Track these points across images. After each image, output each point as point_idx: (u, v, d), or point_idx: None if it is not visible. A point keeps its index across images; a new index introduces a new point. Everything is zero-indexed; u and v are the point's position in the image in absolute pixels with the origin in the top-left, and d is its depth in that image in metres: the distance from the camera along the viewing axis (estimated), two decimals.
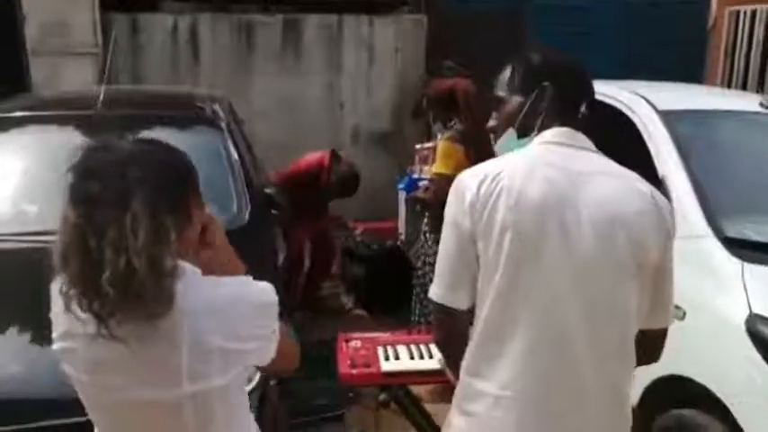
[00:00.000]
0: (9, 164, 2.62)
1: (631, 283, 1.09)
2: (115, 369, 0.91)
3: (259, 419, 1.13)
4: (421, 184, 3.32)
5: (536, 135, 1.17)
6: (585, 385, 1.09)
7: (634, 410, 1.19)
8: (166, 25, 4.79)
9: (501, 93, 1.22)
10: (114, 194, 0.86)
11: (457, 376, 1.19)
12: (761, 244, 2.02)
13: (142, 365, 0.91)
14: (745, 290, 1.87)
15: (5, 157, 2.62)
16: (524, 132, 1.19)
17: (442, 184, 2.67)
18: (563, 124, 1.16)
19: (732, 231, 2.05)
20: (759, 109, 2.54)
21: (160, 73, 4.72)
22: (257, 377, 1.55)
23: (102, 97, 2.70)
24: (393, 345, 1.87)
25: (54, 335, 0.95)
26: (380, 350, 1.84)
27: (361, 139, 5.13)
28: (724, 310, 1.90)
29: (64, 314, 0.90)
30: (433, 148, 3.19)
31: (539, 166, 1.11)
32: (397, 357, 1.82)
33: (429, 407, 1.95)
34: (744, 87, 5.01)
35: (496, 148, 1.25)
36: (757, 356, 1.78)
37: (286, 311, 1.05)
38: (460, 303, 1.14)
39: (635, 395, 1.92)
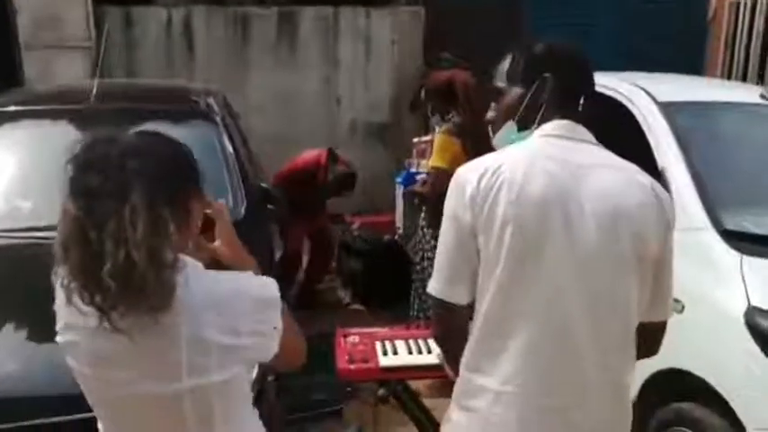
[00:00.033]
0: (2, 159, 2.59)
1: (632, 275, 1.09)
2: (117, 362, 0.91)
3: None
4: (419, 177, 3.30)
5: (536, 128, 1.15)
6: (587, 380, 1.09)
7: (633, 404, 1.19)
8: (160, 18, 4.75)
9: (500, 84, 1.21)
10: (113, 186, 0.86)
11: (456, 371, 1.18)
12: (760, 236, 2.01)
13: (143, 359, 0.91)
14: (744, 282, 1.87)
15: None
16: (524, 125, 1.17)
17: (440, 177, 2.66)
18: (563, 117, 1.14)
19: (731, 224, 2.04)
20: (759, 100, 2.53)
21: (154, 66, 4.69)
22: (255, 373, 1.54)
23: (95, 91, 2.67)
24: (391, 340, 1.86)
25: (57, 327, 0.95)
26: (378, 345, 1.83)
27: (359, 132, 5.11)
28: (723, 303, 1.89)
29: (66, 307, 0.90)
30: (431, 142, 3.17)
31: (539, 159, 1.10)
32: (395, 352, 1.81)
33: (428, 402, 1.95)
34: (744, 79, 4.99)
35: (495, 140, 1.23)
36: (756, 349, 1.78)
37: (290, 306, 1.04)
38: (460, 298, 1.13)
39: (634, 389, 1.91)
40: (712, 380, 1.84)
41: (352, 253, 3.90)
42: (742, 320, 1.81)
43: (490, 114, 1.24)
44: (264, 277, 1.01)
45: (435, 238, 2.45)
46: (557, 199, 1.07)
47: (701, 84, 3.39)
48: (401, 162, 4.19)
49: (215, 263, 1.01)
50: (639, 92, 2.47)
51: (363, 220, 4.22)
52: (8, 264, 2.12)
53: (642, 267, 1.10)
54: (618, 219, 1.07)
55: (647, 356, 1.21)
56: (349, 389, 2.30)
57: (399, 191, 4.02)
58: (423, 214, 3.01)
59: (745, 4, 5.05)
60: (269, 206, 2.71)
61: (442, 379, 1.60)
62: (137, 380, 0.91)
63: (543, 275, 1.06)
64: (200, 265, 0.96)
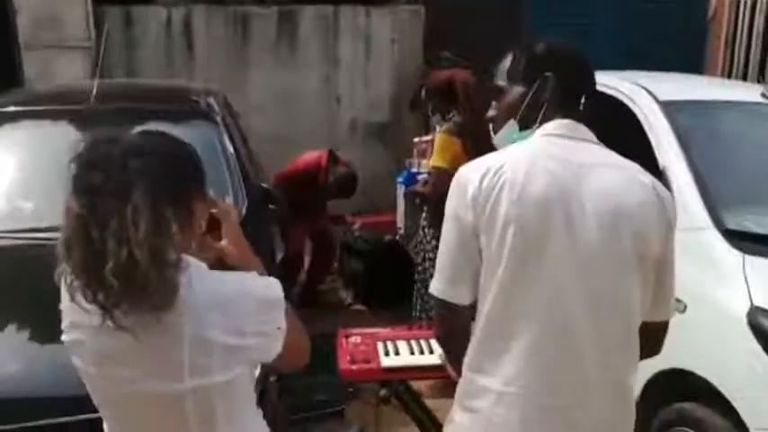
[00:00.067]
0: (2, 160, 2.59)
1: (634, 275, 1.09)
2: (121, 361, 0.92)
3: None
4: (420, 177, 3.30)
5: (537, 127, 1.15)
6: (589, 379, 1.09)
7: (636, 404, 1.19)
8: (160, 18, 4.74)
9: (501, 82, 1.20)
10: (116, 186, 0.86)
11: (458, 372, 1.18)
12: (762, 236, 2.01)
13: (147, 357, 0.91)
14: (747, 282, 1.87)
15: None
16: (526, 124, 1.17)
17: (441, 177, 2.65)
18: (565, 116, 1.14)
19: (733, 223, 2.04)
20: (760, 99, 2.52)
21: (154, 66, 4.68)
22: (256, 373, 1.54)
23: (95, 91, 2.67)
24: (393, 340, 1.86)
25: (63, 326, 0.96)
26: (380, 345, 1.83)
27: (359, 131, 5.10)
28: (725, 303, 1.89)
29: (71, 305, 0.91)
30: (431, 141, 3.17)
31: (541, 159, 1.09)
32: (397, 353, 1.80)
33: (430, 402, 1.94)
34: (744, 78, 4.99)
35: (496, 139, 1.23)
36: (759, 349, 1.77)
37: (294, 306, 1.04)
38: (462, 299, 1.13)
39: (636, 389, 1.91)
40: (715, 380, 1.83)
41: (353, 253, 3.89)
42: (744, 320, 1.81)
43: (491, 113, 1.23)
44: (268, 278, 1.01)
45: (437, 238, 2.45)
46: (558, 198, 1.06)
47: (702, 83, 3.39)
48: (401, 162, 4.18)
49: (219, 263, 1.01)
50: (640, 91, 2.47)
51: (364, 221, 4.21)
52: (10, 265, 2.11)
53: (644, 267, 1.09)
54: (619, 218, 1.07)
55: (650, 356, 1.21)
56: (351, 389, 2.30)
57: (400, 191, 4.01)
58: (424, 214, 3.00)
59: (746, 3, 5.04)
60: (270, 206, 2.71)
61: (444, 379, 1.60)
62: (140, 378, 0.92)
63: (545, 275, 1.06)
64: (203, 265, 0.96)
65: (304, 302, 3.57)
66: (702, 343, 1.89)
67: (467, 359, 1.14)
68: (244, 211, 2.45)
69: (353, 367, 1.73)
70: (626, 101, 2.46)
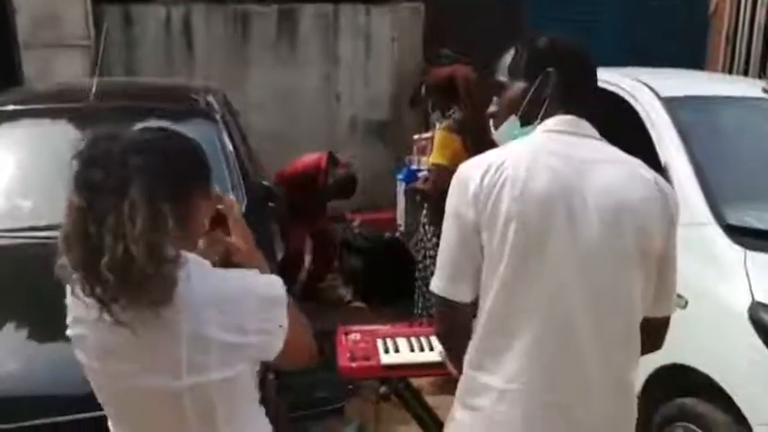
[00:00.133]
0: (1, 158, 2.58)
1: (636, 270, 1.08)
2: (121, 355, 0.92)
3: None
4: (420, 174, 3.29)
5: (539, 123, 1.14)
6: (590, 376, 1.08)
7: (637, 399, 1.18)
8: (159, 16, 4.73)
9: (503, 78, 1.19)
10: (115, 182, 0.87)
11: (459, 369, 1.17)
12: (763, 231, 2.01)
13: (145, 353, 0.91)
14: (748, 278, 1.86)
15: None
16: (527, 120, 1.16)
17: (441, 174, 2.65)
18: (567, 112, 1.14)
19: (734, 219, 2.04)
20: (761, 95, 2.51)
21: (154, 65, 4.67)
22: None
23: (94, 90, 2.66)
24: (393, 337, 1.85)
25: (67, 321, 0.97)
26: (380, 343, 1.82)
27: (359, 129, 5.09)
28: (726, 299, 1.89)
29: (74, 301, 0.92)
30: (432, 139, 3.16)
31: (542, 155, 1.09)
32: (397, 350, 1.80)
33: (430, 399, 1.94)
34: (745, 73, 4.97)
35: (497, 135, 1.22)
36: (760, 344, 1.77)
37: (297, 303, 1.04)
38: (463, 296, 1.12)
39: (638, 384, 1.91)
40: (716, 375, 1.83)
41: (353, 251, 3.89)
42: (745, 316, 1.80)
43: (492, 108, 1.23)
44: (270, 275, 1.01)
45: (437, 235, 2.44)
46: (560, 194, 1.06)
47: (703, 78, 3.38)
48: (401, 159, 4.18)
49: (224, 260, 1.02)
50: (642, 87, 2.46)
51: (364, 218, 4.21)
52: (9, 264, 2.11)
53: (646, 262, 1.09)
54: (621, 213, 1.06)
55: (651, 352, 1.21)
56: (351, 386, 2.30)
57: (400, 188, 4.01)
58: (425, 212, 3.00)
59: None
60: (270, 204, 2.71)
61: (445, 376, 1.59)
62: (140, 374, 0.92)
63: (546, 271, 1.06)
64: (206, 262, 0.96)
65: (304, 299, 3.57)
66: (703, 338, 1.89)
67: (468, 357, 1.14)
68: (243, 209, 2.44)
69: (353, 364, 1.73)
70: (627, 97, 2.45)
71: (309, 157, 3.72)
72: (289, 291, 1.00)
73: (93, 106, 2.61)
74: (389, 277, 3.61)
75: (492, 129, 1.24)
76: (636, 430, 1.17)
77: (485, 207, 1.06)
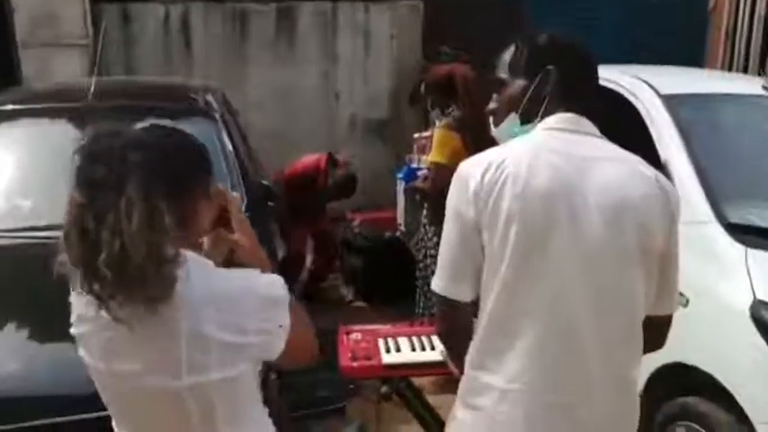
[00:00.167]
0: (1, 158, 2.58)
1: (638, 268, 1.08)
2: (124, 355, 0.93)
3: None
4: (420, 173, 3.29)
5: (539, 121, 1.14)
6: (592, 376, 1.08)
7: (639, 398, 1.18)
8: (158, 15, 4.71)
9: (503, 75, 1.19)
10: (114, 178, 0.87)
11: (460, 369, 1.17)
12: (764, 229, 2.00)
13: (146, 352, 0.91)
14: (749, 276, 1.86)
15: None
16: (527, 118, 1.16)
17: (440, 173, 2.64)
18: (567, 109, 1.13)
19: (735, 217, 2.03)
20: (761, 92, 2.51)
21: (153, 63, 4.66)
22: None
23: (93, 89, 2.65)
24: (394, 337, 1.85)
25: (71, 319, 0.97)
26: (381, 342, 1.82)
27: (358, 128, 5.08)
28: (728, 297, 1.88)
29: (77, 299, 0.93)
30: (431, 137, 3.16)
31: (543, 153, 1.08)
32: (398, 349, 1.80)
33: (432, 398, 1.94)
34: (745, 70, 4.97)
35: (497, 132, 1.22)
36: (762, 342, 1.76)
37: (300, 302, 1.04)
38: (463, 295, 1.12)
39: (639, 383, 1.91)
40: (718, 374, 1.83)
41: (353, 250, 3.89)
42: (747, 314, 1.80)
43: (492, 105, 1.22)
44: (272, 275, 1.01)
45: (438, 235, 2.44)
46: (562, 192, 1.05)
47: (703, 76, 3.37)
48: (401, 158, 4.17)
49: (226, 259, 1.02)
50: (642, 85, 2.45)
51: (364, 217, 4.20)
52: (9, 264, 2.10)
53: (648, 260, 1.09)
54: (623, 211, 1.06)
55: (654, 350, 1.20)
56: (352, 386, 2.29)
57: (400, 187, 4.00)
58: (425, 211, 2.99)
59: None
60: (269, 203, 2.70)
61: (446, 376, 1.59)
62: (142, 374, 0.92)
63: (549, 270, 1.05)
64: (207, 261, 0.96)
65: (305, 299, 3.57)
66: (705, 337, 1.89)
67: (469, 357, 1.14)
68: (243, 208, 2.43)
69: (354, 364, 1.72)
70: (627, 95, 2.44)
71: (309, 158, 3.72)
72: (290, 290, 1.00)
73: (92, 105, 2.60)
74: (390, 277, 3.60)
75: (492, 126, 1.23)
76: (638, 429, 1.17)
77: (485, 205, 1.06)
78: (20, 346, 1.72)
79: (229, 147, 2.69)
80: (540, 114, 1.14)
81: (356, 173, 3.77)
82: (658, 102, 2.35)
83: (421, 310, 2.96)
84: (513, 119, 1.17)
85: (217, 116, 2.82)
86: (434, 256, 1.22)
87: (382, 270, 3.69)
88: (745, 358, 1.81)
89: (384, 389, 1.76)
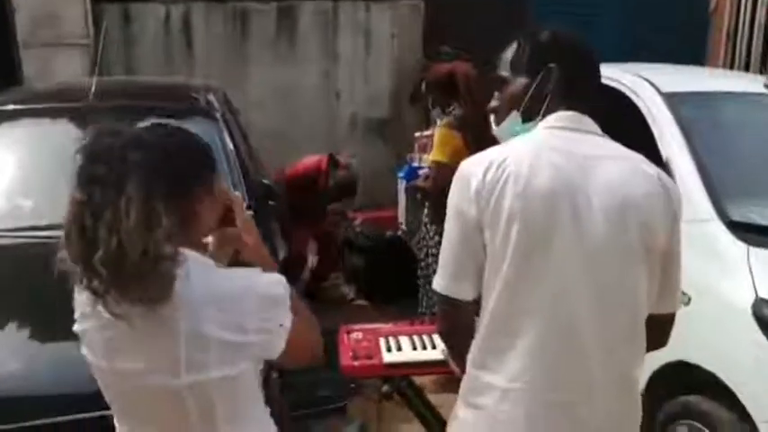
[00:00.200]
0: (1, 158, 2.58)
1: (640, 266, 1.08)
2: (125, 353, 0.93)
3: None
4: (421, 172, 3.28)
5: (540, 119, 1.14)
6: (593, 374, 1.08)
7: (641, 397, 1.18)
8: (159, 15, 4.71)
9: (504, 73, 1.18)
10: (113, 177, 0.88)
11: (461, 368, 1.17)
12: (766, 227, 2.00)
13: (147, 351, 0.91)
14: (751, 274, 1.86)
15: None
16: (529, 116, 1.15)
17: (441, 172, 2.64)
18: (569, 108, 1.13)
19: (737, 215, 2.03)
20: (763, 90, 2.50)
21: (153, 63, 4.66)
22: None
23: (93, 89, 2.65)
24: (395, 336, 1.85)
25: (75, 316, 0.97)
26: (382, 341, 1.82)
27: (359, 127, 5.08)
28: (730, 295, 1.88)
29: (80, 296, 0.93)
30: (432, 136, 3.15)
31: (544, 151, 1.08)
32: (399, 348, 1.80)
33: (433, 397, 1.94)
34: (746, 69, 4.95)
35: (498, 130, 1.22)
36: (764, 340, 1.76)
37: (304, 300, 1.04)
38: (465, 294, 1.12)
39: (641, 381, 1.90)
40: (720, 372, 1.82)
41: (354, 249, 3.89)
42: (749, 312, 1.80)
43: (493, 103, 1.21)
44: (273, 274, 1.00)
45: (439, 234, 2.43)
46: (564, 191, 1.05)
47: (704, 74, 3.37)
48: (402, 157, 4.17)
49: (231, 259, 1.02)
50: (643, 83, 2.45)
51: (365, 216, 4.20)
52: (10, 264, 2.11)
53: (650, 258, 1.08)
54: (625, 209, 1.06)
55: (656, 349, 1.20)
56: (353, 385, 2.29)
57: (401, 186, 4.00)
58: (426, 210, 2.99)
59: None
60: (270, 202, 2.70)
61: (447, 374, 1.59)
62: (142, 372, 0.92)
63: (550, 269, 1.05)
64: (208, 261, 0.96)
65: (307, 298, 3.56)
66: (707, 335, 1.88)
67: (471, 356, 1.13)
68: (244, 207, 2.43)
69: (355, 363, 1.72)
70: (629, 93, 2.44)
71: (310, 160, 3.73)
72: (294, 289, 1.00)
73: (93, 105, 2.60)
74: (391, 275, 3.60)
75: (493, 124, 1.23)
76: (640, 428, 1.17)
77: (487, 204, 1.05)
78: (21, 346, 1.72)
79: (230, 146, 2.69)
80: (541, 113, 1.14)
81: (357, 173, 3.77)
82: (660, 100, 2.34)
83: (423, 310, 2.96)
84: (514, 117, 1.17)
85: (218, 116, 2.82)
86: (436, 255, 1.22)
87: (383, 269, 3.69)
88: (747, 356, 1.81)
89: (385, 388, 1.75)
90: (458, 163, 1.16)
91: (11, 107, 2.76)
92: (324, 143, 4.49)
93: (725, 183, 2.11)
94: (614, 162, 1.09)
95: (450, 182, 1.13)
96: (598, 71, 1.19)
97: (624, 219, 1.06)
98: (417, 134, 3.85)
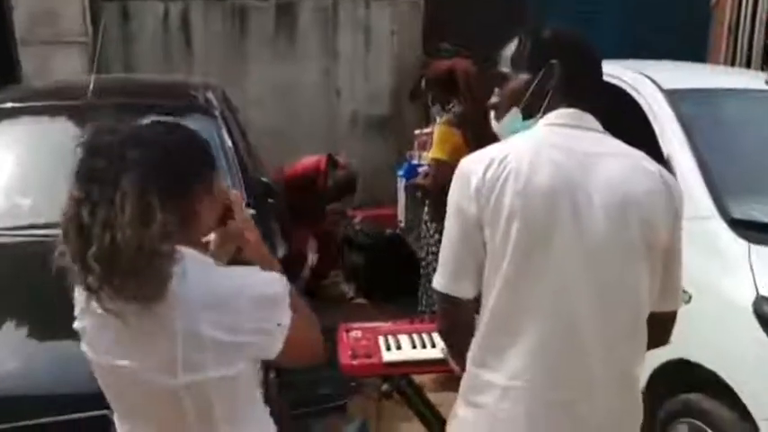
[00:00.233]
0: (1, 157, 2.57)
1: (642, 264, 1.07)
2: (122, 351, 0.92)
3: None
4: (420, 170, 3.28)
5: (541, 116, 1.13)
6: (593, 372, 1.07)
7: (641, 395, 1.17)
8: (157, 12, 4.70)
9: (505, 69, 1.17)
10: (111, 173, 0.87)
11: (461, 366, 1.16)
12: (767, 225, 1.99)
13: (144, 350, 0.91)
14: (752, 272, 1.85)
15: None
16: (529, 113, 1.15)
17: (441, 169, 2.63)
18: (570, 105, 1.12)
19: (738, 212, 2.02)
20: (764, 87, 2.49)
21: (152, 61, 4.65)
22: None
23: (92, 87, 2.64)
24: (394, 334, 1.84)
25: (75, 313, 0.97)
26: (382, 340, 1.81)
27: (359, 124, 5.07)
28: (731, 293, 1.87)
29: (79, 293, 0.93)
30: (432, 134, 3.14)
31: (544, 149, 1.07)
32: (398, 347, 1.79)
33: (433, 395, 1.93)
34: (748, 65, 4.94)
35: (498, 127, 1.21)
36: (765, 338, 1.75)
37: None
38: (465, 292, 1.11)
39: (642, 379, 1.90)
40: (721, 371, 1.82)
41: (354, 247, 3.89)
42: (750, 310, 1.79)
43: (493, 99, 1.21)
44: (272, 273, 1.00)
45: (439, 231, 2.43)
46: (564, 188, 1.05)
47: (705, 71, 3.36)
48: (402, 154, 4.16)
49: (234, 258, 1.02)
50: (644, 80, 2.44)
51: (365, 214, 4.20)
52: (8, 263, 2.10)
53: (652, 255, 1.08)
54: (626, 206, 1.05)
55: (658, 347, 1.20)
56: (353, 383, 2.29)
57: (401, 184, 3.99)
58: (426, 208, 2.98)
59: None
60: (269, 200, 2.69)
61: (447, 373, 1.58)
62: (139, 370, 0.92)
63: (551, 266, 1.04)
64: (206, 259, 0.95)
65: (306, 296, 3.56)
66: (708, 333, 1.88)
67: (471, 354, 1.13)
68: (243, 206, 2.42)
69: (354, 362, 1.72)
70: (629, 90, 2.43)
71: (308, 160, 3.74)
72: (295, 288, 0.99)
73: (92, 103, 2.59)
74: (391, 273, 3.60)
75: (493, 120, 1.22)
76: (641, 426, 1.16)
77: (487, 202, 1.05)
78: (19, 345, 1.71)
79: (229, 144, 2.68)
80: (542, 109, 1.13)
81: (357, 172, 3.76)
82: (661, 97, 2.33)
83: (424, 308, 2.96)
84: (514, 113, 1.16)
85: (216, 113, 2.81)
86: (436, 254, 1.21)
87: (383, 267, 3.69)
88: (748, 355, 1.80)
89: (385, 387, 1.75)
90: (458, 160, 1.15)
91: (9, 105, 2.75)
92: (324, 141, 4.48)
93: (726, 180, 2.10)
94: (615, 159, 1.09)
95: (450, 179, 1.13)
96: (600, 68, 1.19)
97: (625, 216, 1.05)
98: (417, 131, 3.84)
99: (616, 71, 2.49)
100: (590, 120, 1.13)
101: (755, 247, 1.91)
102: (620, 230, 1.05)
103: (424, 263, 2.99)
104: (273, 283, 0.97)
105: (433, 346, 1.79)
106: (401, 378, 1.77)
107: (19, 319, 1.80)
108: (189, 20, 4.75)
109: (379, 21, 4.97)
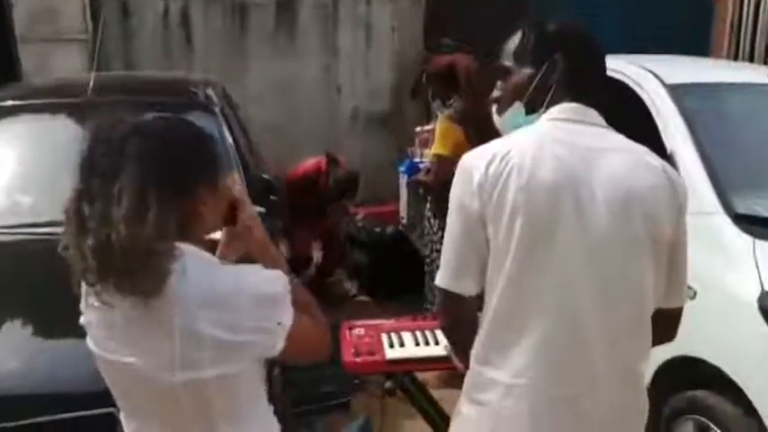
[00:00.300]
0: (1, 155, 2.56)
1: (646, 258, 1.07)
2: (122, 347, 0.92)
3: None
4: (422, 166, 3.27)
5: (544, 111, 1.12)
6: (596, 368, 1.07)
7: (647, 390, 1.16)
8: (157, 9, 4.69)
9: (508, 63, 1.16)
10: (110, 167, 0.88)
11: (464, 363, 1.16)
12: None
13: (142, 345, 0.91)
14: (757, 267, 1.84)
15: None
16: (532, 108, 1.14)
17: (443, 165, 2.62)
18: (573, 99, 1.11)
19: (743, 207, 2.01)
20: (767, 81, 2.48)
21: (152, 58, 4.64)
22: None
23: (92, 84, 2.64)
24: (398, 331, 1.83)
25: (80, 307, 0.98)
26: (385, 337, 1.80)
27: (360, 121, 5.06)
28: (736, 288, 1.86)
29: (84, 287, 0.93)
30: (433, 131, 3.13)
31: (547, 144, 1.07)
32: (401, 344, 1.78)
33: (436, 392, 1.93)
34: (750, 60, 4.91)
35: (500, 121, 1.20)
36: None
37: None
38: (468, 289, 1.10)
39: (647, 376, 1.89)
40: (726, 367, 1.81)
41: (356, 244, 3.88)
42: (755, 305, 1.78)
43: (496, 93, 1.19)
44: (274, 271, 0.99)
45: (442, 228, 2.42)
46: (567, 183, 1.04)
47: (708, 65, 3.34)
48: (403, 151, 4.15)
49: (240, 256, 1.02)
50: (647, 74, 2.42)
51: (367, 211, 4.19)
52: (9, 261, 2.10)
53: (657, 249, 1.07)
54: (630, 201, 1.05)
55: (664, 343, 1.19)
56: (356, 381, 2.28)
57: (403, 180, 3.99)
58: (428, 205, 2.97)
59: None
60: (271, 197, 2.68)
61: (450, 370, 1.58)
62: (138, 366, 0.92)
63: (554, 262, 1.04)
64: (206, 255, 0.94)
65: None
66: (713, 329, 1.87)
67: (474, 351, 1.12)
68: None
69: (358, 360, 1.71)
70: (632, 85, 2.41)
71: (310, 161, 3.76)
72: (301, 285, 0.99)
73: (92, 101, 2.58)
74: (394, 271, 3.59)
75: (495, 114, 1.21)
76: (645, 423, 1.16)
77: (490, 197, 1.04)
78: (20, 343, 1.71)
79: (230, 140, 2.68)
80: (545, 104, 1.12)
81: (358, 170, 3.76)
82: (664, 91, 2.32)
83: (429, 305, 2.95)
84: (517, 108, 1.15)
85: (217, 110, 2.80)
86: (440, 250, 1.20)
87: (386, 264, 3.68)
88: (753, 350, 1.79)
89: (388, 384, 1.74)
90: (459, 156, 1.14)
91: (9, 103, 2.74)
92: (324, 138, 4.48)
93: (730, 175, 2.09)
94: (618, 154, 1.08)
95: (451, 175, 1.12)
96: (604, 63, 1.17)
97: (628, 211, 1.05)
98: (418, 129, 3.83)
99: (619, 66, 2.47)
100: (593, 114, 1.12)
101: (760, 243, 1.90)
102: (624, 225, 1.04)
103: (428, 260, 2.98)
104: (274, 281, 0.96)
105: (437, 343, 1.78)
106: (404, 375, 1.77)
107: (20, 318, 1.80)
108: (189, 16, 4.73)
109: (379, 17, 4.95)
